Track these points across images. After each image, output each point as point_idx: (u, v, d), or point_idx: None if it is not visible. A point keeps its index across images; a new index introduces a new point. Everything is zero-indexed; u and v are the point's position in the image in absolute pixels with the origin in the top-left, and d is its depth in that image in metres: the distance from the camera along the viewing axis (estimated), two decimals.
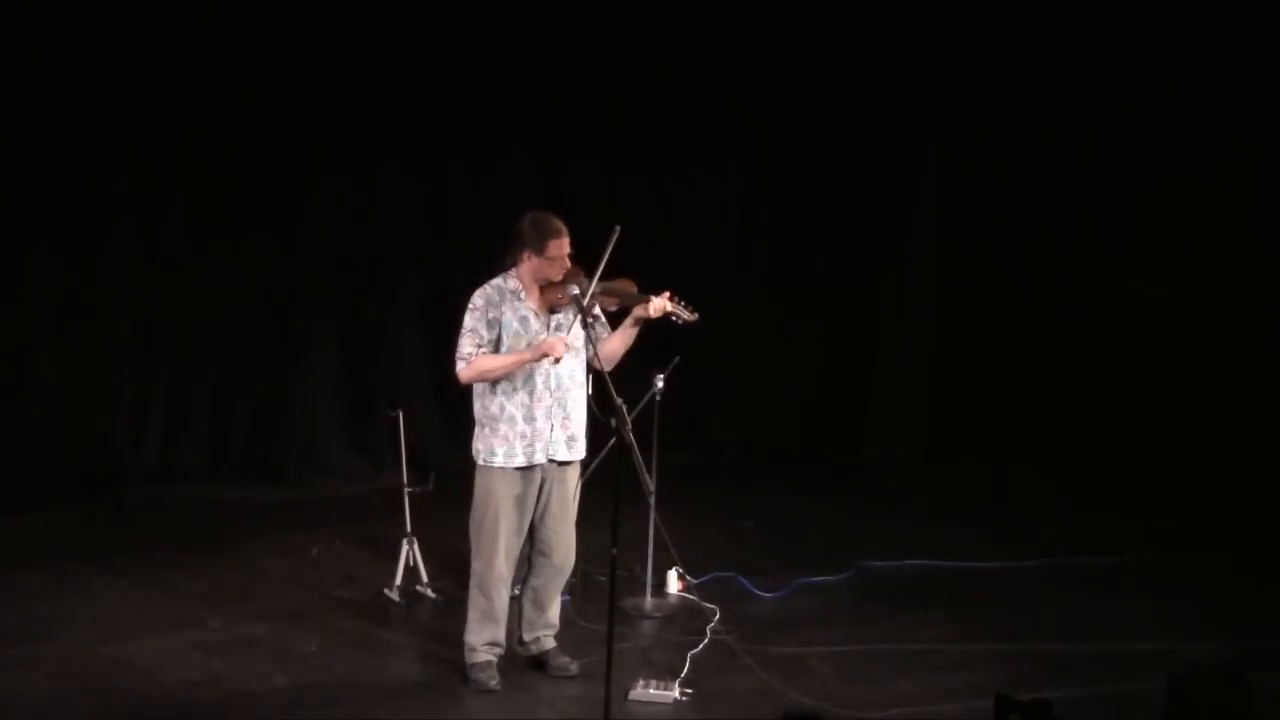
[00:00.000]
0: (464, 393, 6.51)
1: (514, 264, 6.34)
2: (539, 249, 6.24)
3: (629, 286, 6.40)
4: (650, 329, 6.39)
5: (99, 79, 8.52)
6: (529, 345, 6.26)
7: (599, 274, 6.23)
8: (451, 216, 9.76)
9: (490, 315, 6.27)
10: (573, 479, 6.51)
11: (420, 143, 9.57)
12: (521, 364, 6.23)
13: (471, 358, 6.24)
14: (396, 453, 7.76)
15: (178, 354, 9.22)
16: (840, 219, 10.74)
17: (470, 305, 6.31)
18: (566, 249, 6.25)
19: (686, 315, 6.31)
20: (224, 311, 9.32)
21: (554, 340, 6.18)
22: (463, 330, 6.29)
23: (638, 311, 6.28)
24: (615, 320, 6.47)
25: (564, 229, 6.25)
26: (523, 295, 6.32)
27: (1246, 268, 9.59)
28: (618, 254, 6.22)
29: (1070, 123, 10.11)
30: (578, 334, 6.31)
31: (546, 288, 6.28)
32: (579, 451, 6.48)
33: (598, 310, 6.40)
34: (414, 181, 9.67)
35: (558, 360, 6.19)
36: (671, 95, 10.13)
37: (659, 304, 6.25)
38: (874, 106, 10.51)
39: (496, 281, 6.35)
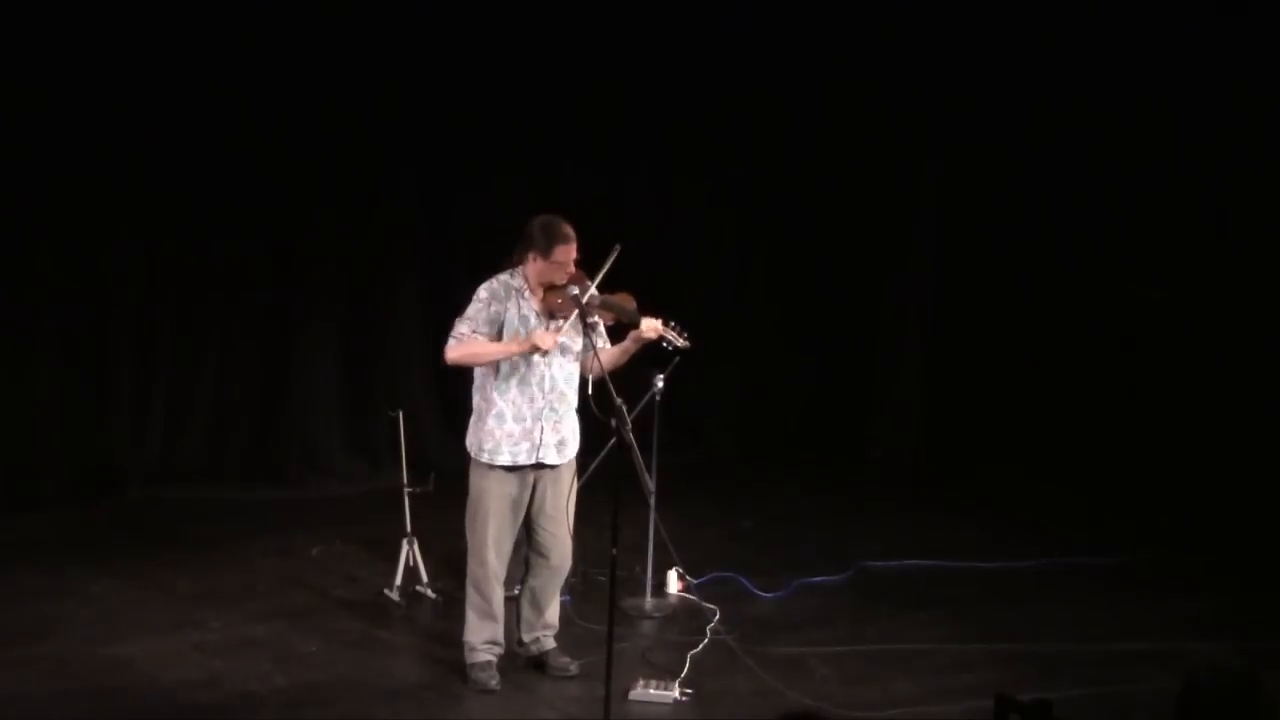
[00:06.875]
0: (462, 389, 6.52)
1: (520, 262, 6.35)
2: (545, 253, 6.24)
3: (628, 303, 6.41)
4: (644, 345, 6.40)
5: (99, 79, 8.51)
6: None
7: (598, 283, 6.27)
8: (451, 217, 9.75)
9: (493, 309, 6.28)
10: (567, 479, 6.50)
11: (420, 143, 9.57)
12: (509, 354, 6.24)
13: (464, 338, 6.26)
14: (396, 453, 7.75)
15: (178, 354, 9.21)
16: (841, 219, 10.74)
17: (475, 296, 6.34)
18: (573, 255, 6.25)
19: (679, 341, 6.33)
20: (224, 311, 9.31)
21: (542, 332, 6.19)
22: (463, 314, 6.31)
23: (635, 332, 6.29)
24: (612, 333, 6.49)
25: (572, 235, 6.25)
26: (526, 294, 6.33)
27: (1246, 269, 9.58)
28: (618, 268, 6.27)
29: (1071, 123, 10.10)
30: (576, 337, 6.32)
31: (549, 291, 6.29)
32: (569, 454, 6.48)
33: (596, 318, 6.40)
34: (414, 182, 9.66)
35: (545, 353, 6.20)
36: (671, 95, 10.12)
37: (653, 324, 6.26)
38: (875, 107, 10.51)
39: (503, 277, 6.36)
